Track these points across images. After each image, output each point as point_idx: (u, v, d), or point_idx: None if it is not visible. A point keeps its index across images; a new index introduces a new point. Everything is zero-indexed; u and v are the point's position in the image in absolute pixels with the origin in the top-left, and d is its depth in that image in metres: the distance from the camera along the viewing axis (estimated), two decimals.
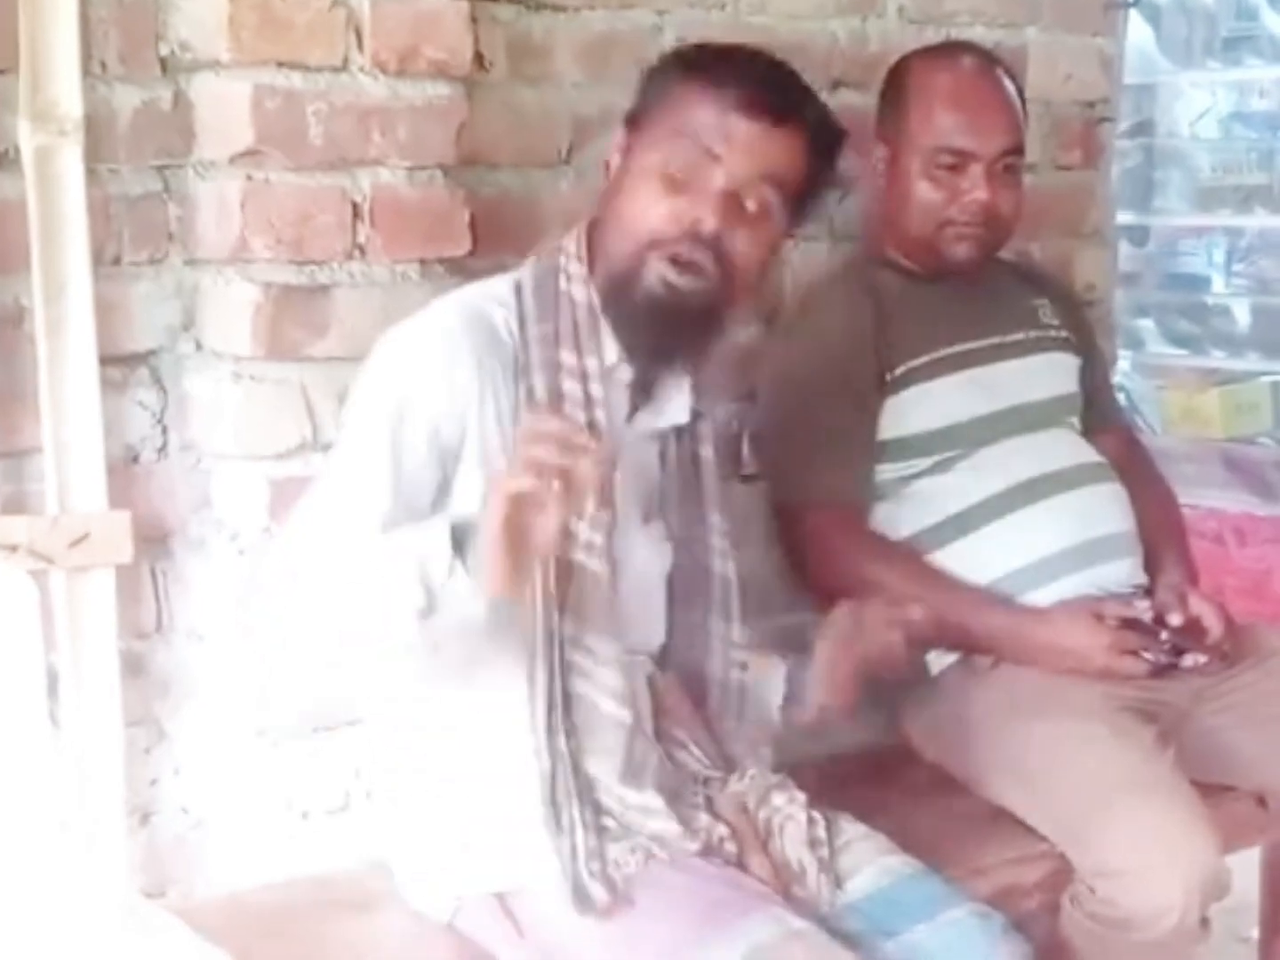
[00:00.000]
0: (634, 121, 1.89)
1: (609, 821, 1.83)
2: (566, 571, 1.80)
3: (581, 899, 1.77)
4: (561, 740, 1.80)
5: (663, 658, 1.96)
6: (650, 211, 1.82)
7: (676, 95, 1.85)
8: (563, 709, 1.80)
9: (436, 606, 1.62)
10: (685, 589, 1.97)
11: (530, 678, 1.79)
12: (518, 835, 1.82)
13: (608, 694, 1.82)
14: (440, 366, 1.79)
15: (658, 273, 1.82)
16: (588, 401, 1.84)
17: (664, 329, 1.85)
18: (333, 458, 1.86)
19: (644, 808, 1.83)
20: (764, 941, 1.72)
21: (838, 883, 1.89)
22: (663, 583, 1.97)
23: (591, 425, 1.82)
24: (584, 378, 1.84)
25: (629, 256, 1.83)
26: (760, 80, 1.84)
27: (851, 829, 1.97)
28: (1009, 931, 1.90)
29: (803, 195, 1.88)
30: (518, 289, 1.87)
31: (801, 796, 1.95)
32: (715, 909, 1.76)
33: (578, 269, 1.88)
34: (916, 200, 2.50)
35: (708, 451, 1.99)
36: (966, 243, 2.50)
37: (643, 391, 1.92)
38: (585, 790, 1.81)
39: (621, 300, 1.85)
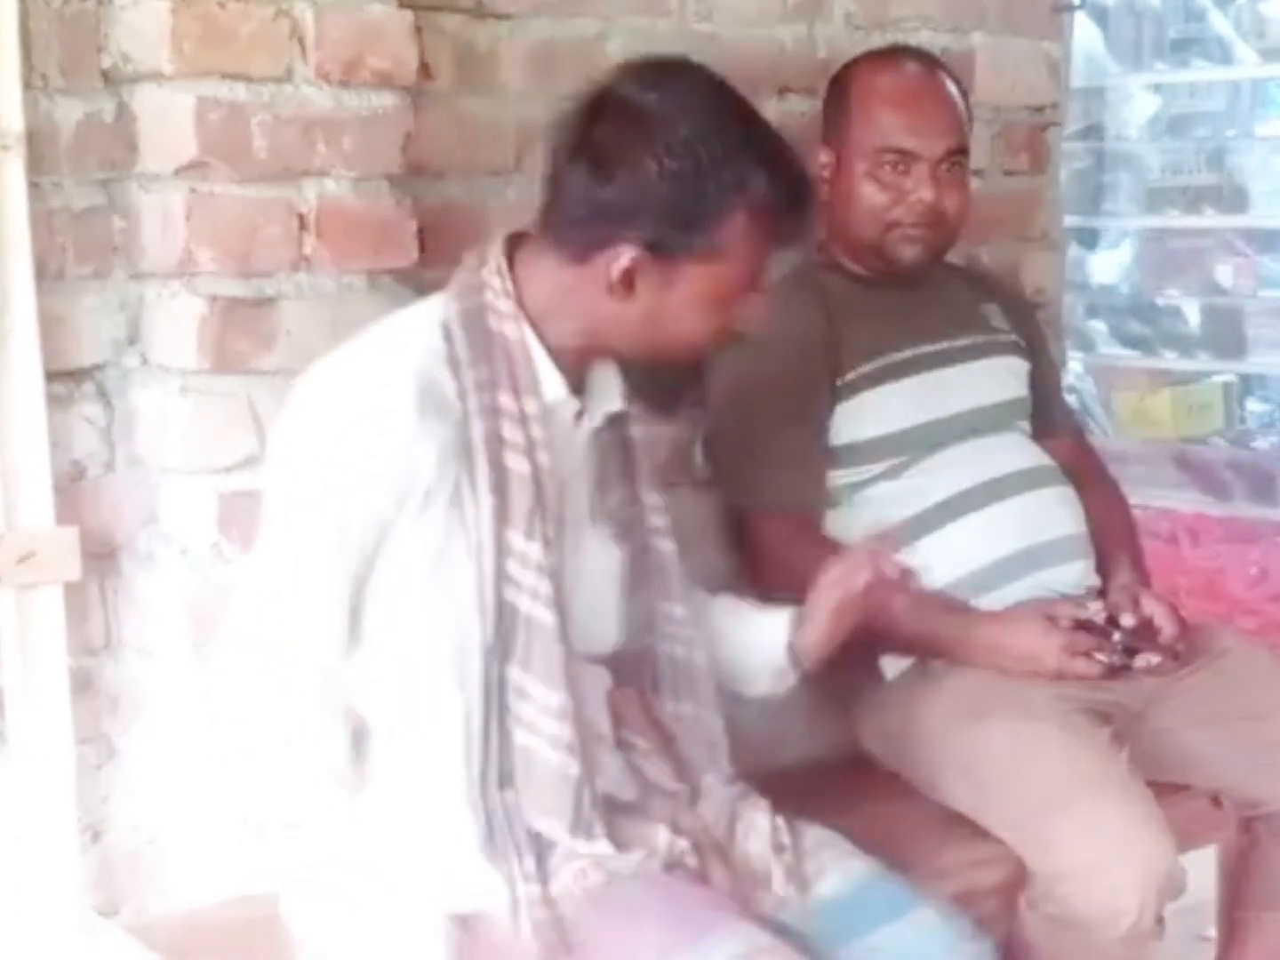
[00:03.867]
0: (662, 253, 1.77)
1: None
2: (512, 618, 1.78)
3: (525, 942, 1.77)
4: (496, 794, 1.77)
5: (615, 652, 1.96)
6: (699, 337, 1.84)
7: (725, 242, 1.78)
8: (502, 761, 1.78)
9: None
10: (630, 574, 1.97)
11: (466, 729, 1.78)
12: (467, 868, 1.80)
13: (555, 746, 1.79)
14: (385, 435, 1.74)
15: (686, 363, 1.89)
16: (529, 445, 1.80)
17: (675, 386, 1.92)
18: (274, 519, 1.81)
19: (596, 857, 1.81)
20: (729, 957, 1.72)
21: (804, 886, 1.90)
22: (616, 583, 1.96)
23: (535, 470, 1.80)
24: (523, 421, 1.80)
25: (657, 356, 1.86)
26: (797, 192, 1.83)
27: (813, 833, 1.97)
28: (973, 931, 1.91)
29: None
30: (446, 332, 1.81)
31: (764, 802, 1.96)
32: (679, 926, 1.75)
33: (507, 306, 1.82)
34: (862, 203, 2.51)
35: (638, 432, 1.98)
36: (913, 244, 2.51)
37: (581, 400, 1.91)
38: (527, 839, 1.79)
39: (641, 372, 1.88)
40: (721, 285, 1.81)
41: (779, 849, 1.91)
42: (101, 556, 2.17)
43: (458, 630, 1.78)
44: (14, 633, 2.09)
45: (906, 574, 2.06)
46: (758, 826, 1.93)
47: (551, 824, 1.79)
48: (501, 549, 1.77)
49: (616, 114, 1.78)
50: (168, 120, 2.10)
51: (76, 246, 2.13)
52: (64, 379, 2.14)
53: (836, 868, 1.92)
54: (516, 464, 1.79)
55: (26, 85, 2.06)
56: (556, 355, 1.84)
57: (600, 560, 1.94)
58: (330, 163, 2.16)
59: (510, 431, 1.79)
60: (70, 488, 2.14)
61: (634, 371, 1.91)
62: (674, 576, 1.98)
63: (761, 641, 2.09)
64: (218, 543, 2.13)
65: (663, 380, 1.91)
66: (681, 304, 1.81)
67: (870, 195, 2.49)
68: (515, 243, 1.87)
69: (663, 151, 1.75)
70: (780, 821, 1.94)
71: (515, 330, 1.82)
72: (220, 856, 2.17)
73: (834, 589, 2.06)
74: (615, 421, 1.95)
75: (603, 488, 1.96)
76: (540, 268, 1.84)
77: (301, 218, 2.15)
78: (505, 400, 1.80)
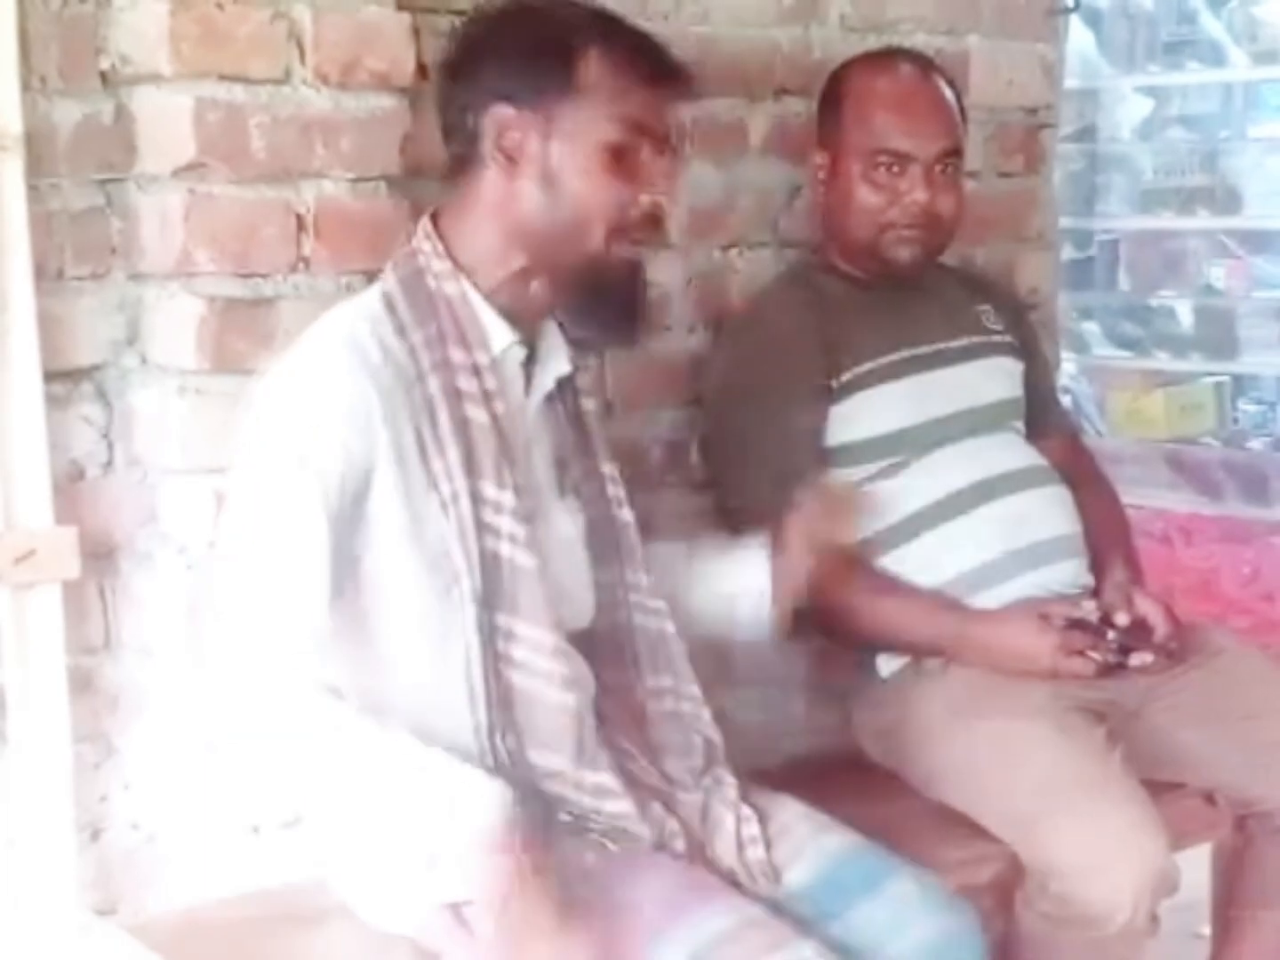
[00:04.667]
0: (531, 104, 1.85)
1: (563, 815, 1.83)
2: (495, 565, 1.81)
3: None
4: (500, 739, 1.80)
5: (592, 629, 1.97)
6: (607, 201, 1.86)
7: (585, 77, 1.84)
8: (503, 706, 1.81)
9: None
10: (596, 545, 1.99)
11: (467, 679, 1.80)
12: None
13: (551, 682, 1.83)
14: (339, 399, 1.78)
15: (619, 255, 1.88)
16: (485, 396, 1.84)
17: (625, 301, 1.92)
18: (245, 500, 1.82)
19: (600, 788, 1.84)
20: (721, 931, 1.74)
21: (776, 876, 1.91)
22: (585, 554, 1.98)
23: (494, 419, 1.83)
24: (477, 372, 1.85)
25: (592, 246, 1.87)
26: (649, 43, 1.89)
27: (788, 810, 1.98)
28: (951, 897, 1.93)
29: None
30: (387, 301, 1.87)
31: (733, 793, 1.95)
32: (671, 901, 1.77)
33: (442, 265, 1.88)
34: (857, 204, 2.51)
35: (589, 403, 2.02)
36: (908, 245, 2.52)
37: (530, 360, 1.94)
38: (531, 788, 1.80)
39: (584, 289, 1.88)
40: (600, 133, 1.85)
41: (744, 846, 1.92)
42: (100, 556, 2.17)
43: (445, 584, 1.80)
44: (13, 632, 2.09)
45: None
46: (723, 825, 1.93)
47: (554, 759, 1.82)
48: (475, 498, 1.81)
49: (466, 29, 1.94)
50: (166, 121, 2.10)
51: (75, 247, 2.13)
52: (63, 379, 2.14)
53: (811, 846, 1.93)
54: (476, 414, 1.83)
55: (25, 87, 2.05)
56: (497, 303, 1.88)
57: (568, 531, 1.97)
58: (328, 164, 2.16)
59: (465, 383, 1.84)
60: (69, 487, 2.14)
61: (571, 302, 1.92)
62: (636, 546, 2.01)
63: (738, 576, 2.14)
64: (216, 542, 2.13)
65: (602, 310, 1.92)
66: (569, 158, 1.85)
67: (865, 197, 2.50)
68: (437, 215, 1.93)
69: (511, 25, 1.88)
70: (747, 811, 1.94)
71: (454, 286, 1.87)
72: (218, 855, 2.18)
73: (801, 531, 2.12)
74: (567, 393, 1.98)
75: (562, 461, 1.99)
76: (457, 215, 1.91)
77: (300, 218, 2.16)
78: (456, 354, 1.85)
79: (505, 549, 1.82)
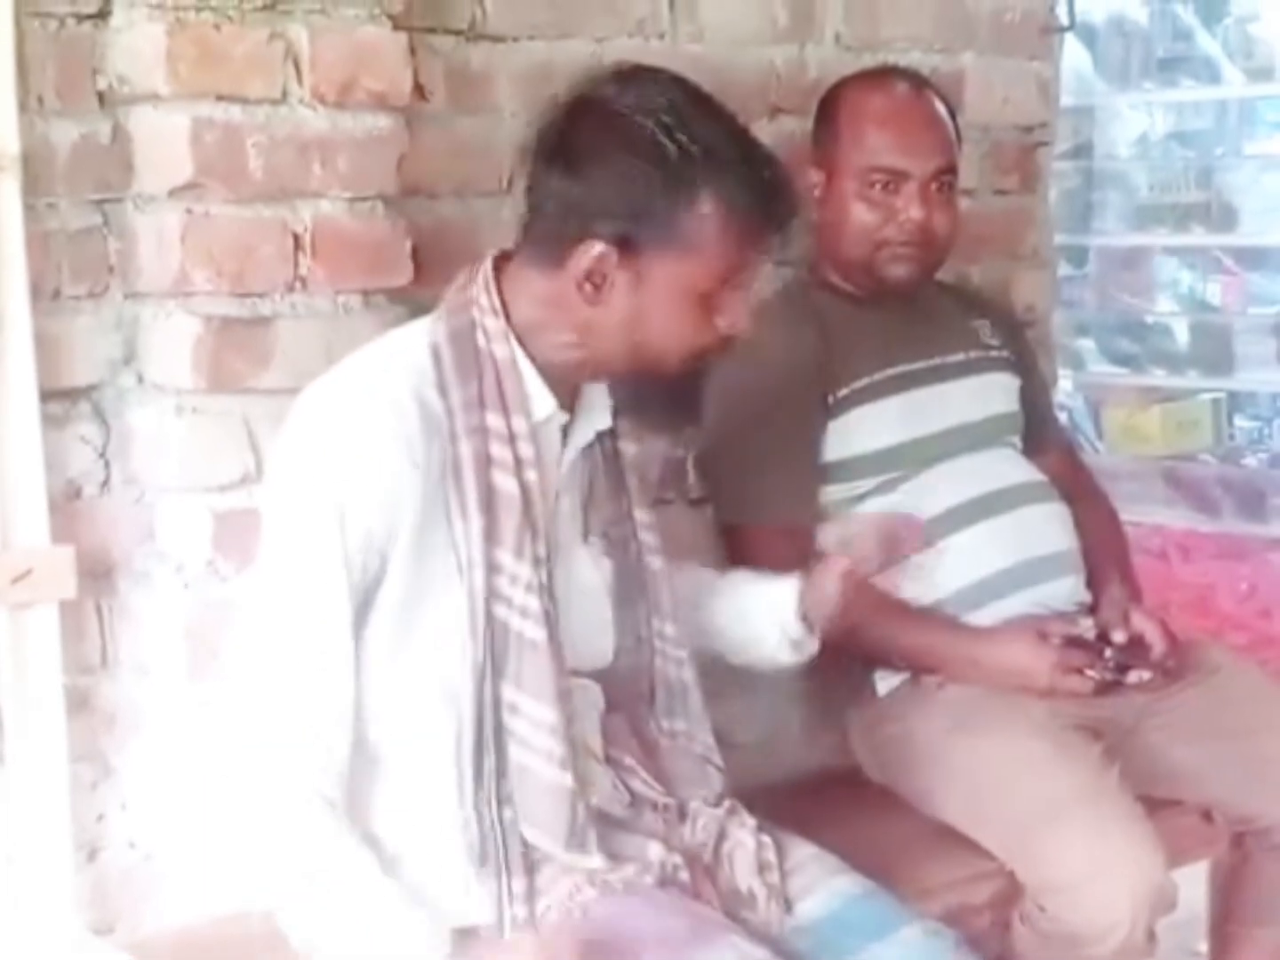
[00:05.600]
0: (632, 253, 1.78)
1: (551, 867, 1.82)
2: (503, 636, 1.79)
3: None
4: (491, 810, 1.78)
5: (610, 668, 1.96)
6: (685, 338, 1.83)
7: (695, 234, 1.77)
8: (497, 776, 1.79)
9: None
10: (621, 590, 1.97)
11: (457, 746, 1.79)
12: (460, 885, 1.81)
13: (548, 761, 1.80)
14: (374, 461, 1.74)
15: (687, 370, 1.87)
16: (517, 464, 1.80)
17: (680, 400, 1.92)
18: (273, 547, 1.81)
19: (590, 873, 1.82)
20: None
21: (788, 906, 1.90)
22: (608, 599, 1.97)
23: (524, 488, 1.80)
24: (512, 440, 1.81)
25: (662, 370, 1.85)
26: (770, 187, 1.82)
27: (801, 850, 1.97)
28: (960, 948, 1.92)
29: None
30: (435, 353, 1.82)
31: (750, 821, 1.96)
32: (673, 940, 1.76)
33: (495, 325, 1.83)
34: (853, 222, 2.52)
35: (629, 447, 1.99)
36: (903, 263, 2.52)
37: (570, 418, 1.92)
38: (519, 858, 1.79)
39: (641, 389, 1.88)
40: (696, 283, 1.80)
41: (763, 869, 1.91)
42: (97, 575, 2.17)
43: (449, 648, 1.79)
44: (10, 651, 2.08)
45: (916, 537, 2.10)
46: (743, 845, 1.93)
47: (545, 838, 1.80)
48: (491, 567, 1.78)
49: (590, 116, 1.81)
50: (163, 141, 2.11)
51: (72, 267, 2.13)
52: (60, 398, 2.14)
53: (823, 885, 1.93)
54: (504, 483, 1.80)
55: (22, 107, 2.06)
56: (546, 371, 1.85)
57: (592, 577, 1.95)
58: (325, 183, 2.16)
59: (498, 450, 1.80)
60: (66, 507, 2.14)
61: (627, 389, 1.92)
62: (664, 594, 1.99)
63: (773, 611, 2.09)
64: (213, 561, 2.14)
65: (656, 397, 1.91)
66: (656, 303, 1.80)
67: (860, 214, 2.51)
68: (503, 260, 1.88)
69: (631, 149, 1.77)
70: (766, 839, 1.94)
71: (504, 349, 1.83)
72: (215, 874, 2.18)
73: (843, 554, 2.08)
74: (604, 438, 1.96)
75: (592, 504, 1.97)
76: (525, 282, 1.85)
77: (297, 238, 2.16)
78: (493, 419, 1.80)
79: (516, 621, 1.79)
